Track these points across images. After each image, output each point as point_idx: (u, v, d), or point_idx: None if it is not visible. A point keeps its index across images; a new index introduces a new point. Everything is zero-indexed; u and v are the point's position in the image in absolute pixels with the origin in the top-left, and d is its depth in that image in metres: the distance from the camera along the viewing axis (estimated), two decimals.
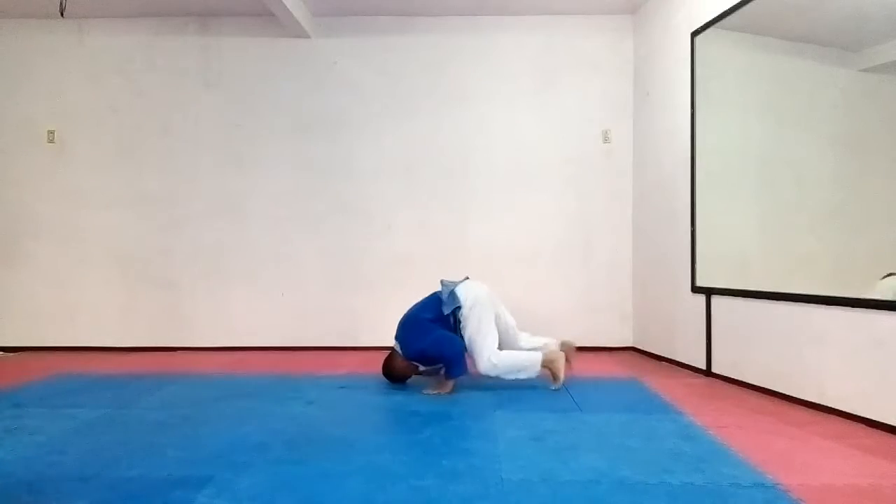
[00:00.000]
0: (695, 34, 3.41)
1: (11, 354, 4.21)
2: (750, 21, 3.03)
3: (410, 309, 3.13)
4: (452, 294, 3.03)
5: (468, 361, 2.97)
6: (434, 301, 3.08)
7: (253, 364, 3.76)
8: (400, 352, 3.04)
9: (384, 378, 3.13)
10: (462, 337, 2.99)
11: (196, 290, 4.32)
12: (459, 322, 3.02)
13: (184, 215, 4.33)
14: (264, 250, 4.32)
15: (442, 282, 3.14)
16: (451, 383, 2.92)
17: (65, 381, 3.24)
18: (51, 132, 4.34)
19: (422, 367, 3.10)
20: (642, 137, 4.14)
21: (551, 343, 3.21)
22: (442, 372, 3.01)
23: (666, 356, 3.77)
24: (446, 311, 2.99)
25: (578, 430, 2.30)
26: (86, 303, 4.31)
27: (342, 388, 3.07)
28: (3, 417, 2.52)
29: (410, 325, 3.04)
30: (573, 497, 1.66)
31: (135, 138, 4.34)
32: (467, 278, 3.19)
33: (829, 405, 2.53)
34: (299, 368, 3.63)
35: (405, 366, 3.06)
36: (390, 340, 3.13)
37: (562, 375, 2.97)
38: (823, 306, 2.56)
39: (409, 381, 3.14)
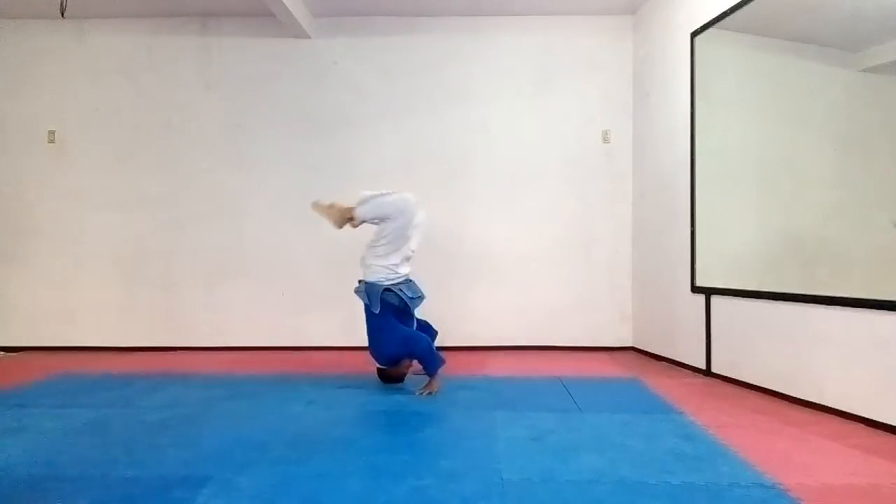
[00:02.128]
0: (695, 34, 3.41)
1: (11, 354, 4.21)
2: (750, 21, 3.03)
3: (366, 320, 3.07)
4: (371, 287, 3.00)
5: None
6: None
7: (253, 364, 3.76)
8: (376, 364, 3.07)
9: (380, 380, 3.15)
10: (415, 297, 3.11)
11: (196, 290, 4.32)
12: (405, 293, 3.05)
13: (184, 215, 4.33)
14: (264, 250, 4.32)
15: (355, 290, 3.09)
16: (436, 381, 2.92)
17: (65, 381, 3.24)
18: (51, 132, 4.34)
19: (413, 369, 3.10)
20: (642, 137, 4.14)
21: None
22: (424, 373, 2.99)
23: (666, 356, 3.77)
24: (375, 309, 2.96)
25: (578, 430, 2.30)
26: (86, 303, 4.31)
27: (342, 388, 3.07)
28: (4, 417, 2.52)
29: (372, 334, 3.01)
30: (573, 497, 1.67)
31: (135, 138, 4.34)
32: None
33: (829, 405, 2.53)
34: (299, 368, 3.63)
35: (395, 367, 3.06)
36: None
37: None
38: (823, 306, 2.56)
39: (406, 380, 3.14)
